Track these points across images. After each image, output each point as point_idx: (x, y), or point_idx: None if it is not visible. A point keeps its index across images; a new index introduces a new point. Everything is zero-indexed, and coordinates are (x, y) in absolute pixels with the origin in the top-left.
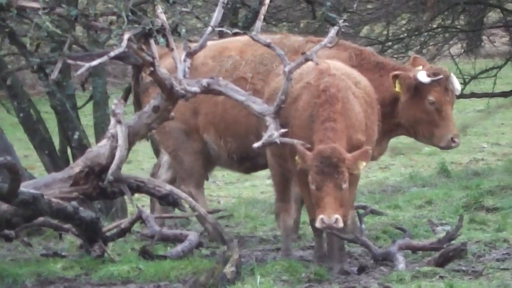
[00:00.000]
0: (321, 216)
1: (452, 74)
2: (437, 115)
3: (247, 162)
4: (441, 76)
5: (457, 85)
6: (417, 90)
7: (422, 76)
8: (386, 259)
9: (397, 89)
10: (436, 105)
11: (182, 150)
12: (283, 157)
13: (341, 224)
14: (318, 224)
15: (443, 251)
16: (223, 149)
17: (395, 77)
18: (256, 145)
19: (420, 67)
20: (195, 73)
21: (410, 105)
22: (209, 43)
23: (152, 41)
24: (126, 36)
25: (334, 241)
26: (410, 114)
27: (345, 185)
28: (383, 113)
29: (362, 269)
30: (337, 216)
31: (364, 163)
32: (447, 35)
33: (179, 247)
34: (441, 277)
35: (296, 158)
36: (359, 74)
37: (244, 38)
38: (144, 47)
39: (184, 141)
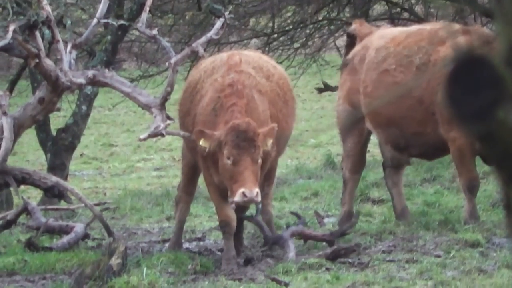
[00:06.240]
0: (242, 189)
1: None
2: None
3: (404, 152)
4: None
5: None
6: None
7: None
8: (277, 244)
9: None
10: None
11: (346, 133)
12: (195, 150)
13: (259, 198)
14: (238, 198)
15: (335, 249)
16: (380, 138)
17: None
18: (142, 137)
19: None
20: (361, 64)
21: None
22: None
23: (37, 32)
24: (11, 27)
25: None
26: None
27: (260, 161)
28: None
29: (248, 261)
30: (257, 189)
31: (271, 140)
32: (332, 27)
33: (65, 239)
34: (327, 269)
35: (201, 142)
36: (275, 66)
37: (413, 29)
38: (29, 38)
39: (349, 124)
